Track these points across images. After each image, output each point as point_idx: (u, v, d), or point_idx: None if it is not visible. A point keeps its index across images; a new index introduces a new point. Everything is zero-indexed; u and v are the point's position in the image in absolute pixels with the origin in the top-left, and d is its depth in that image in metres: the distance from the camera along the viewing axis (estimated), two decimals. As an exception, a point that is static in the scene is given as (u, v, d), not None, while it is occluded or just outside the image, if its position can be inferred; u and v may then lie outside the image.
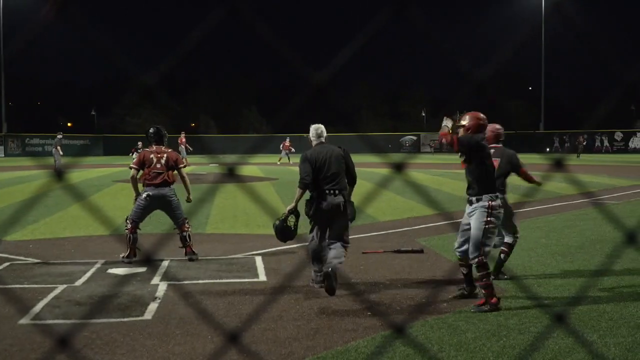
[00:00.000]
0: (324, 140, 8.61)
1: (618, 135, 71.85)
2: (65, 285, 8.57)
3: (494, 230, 7.46)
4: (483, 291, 7.28)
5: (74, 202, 16.87)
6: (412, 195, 18.34)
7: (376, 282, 8.72)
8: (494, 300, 7.17)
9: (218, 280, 8.92)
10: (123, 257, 10.03)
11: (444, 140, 7.39)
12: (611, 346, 5.99)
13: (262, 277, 9.14)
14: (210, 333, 6.55)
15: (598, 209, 16.48)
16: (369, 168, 28.66)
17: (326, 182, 8.21)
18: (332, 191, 8.20)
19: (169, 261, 10.06)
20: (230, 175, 1.85)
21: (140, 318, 7.08)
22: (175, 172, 10.39)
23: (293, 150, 45.70)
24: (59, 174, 1.84)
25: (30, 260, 10.32)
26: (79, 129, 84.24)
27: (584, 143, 57.12)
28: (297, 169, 8.15)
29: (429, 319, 6.92)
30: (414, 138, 78.02)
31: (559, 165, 2.00)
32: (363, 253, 10.11)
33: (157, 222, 13.07)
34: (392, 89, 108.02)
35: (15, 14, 70.32)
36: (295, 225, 8.52)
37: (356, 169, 8.64)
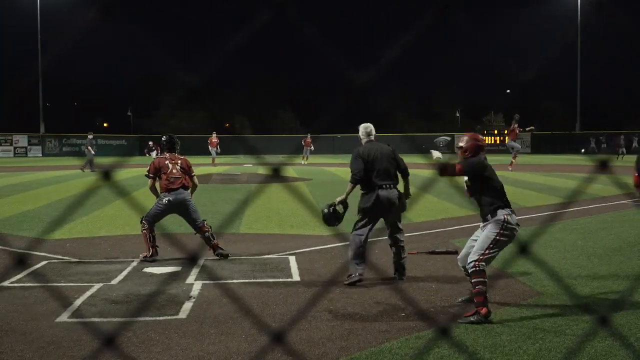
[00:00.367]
0: (373, 138, 9.10)
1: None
2: (101, 284, 8.67)
3: (503, 245, 7.17)
4: (474, 299, 6.97)
5: (110, 202, 17.07)
6: (447, 196, 18.25)
7: (410, 283, 8.69)
8: (484, 310, 6.83)
9: (252, 280, 8.96)
10: (145, 256, 10.18)
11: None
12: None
13: (296, 277, 9.16)
14: (245, 332, 6.58)
15: (637, 210, 16.25)
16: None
17: (380, 178, 8.67)
18: (386, 185, 8.69)
19: (203, 261, 10.14)
20: (275, 175, 1.86)
21: (175, 317, 7.14)
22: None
23: (312, 148, 45.67)
24: (105, 174, 1.86)
25: (67, 259, 10.46)
26: (116, 130, 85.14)
27: (622, 143, 56.20)
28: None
29: (463, 320, 6.88)
30: (448, 139, 77.52)
31: (603, 167, 1.97)
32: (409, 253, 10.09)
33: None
34: (427, 89, 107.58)
35: (52, 16, 71.45)
36: (343, 214, 8.94)
37: None
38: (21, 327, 6.77)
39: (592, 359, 5.67)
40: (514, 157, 31.47)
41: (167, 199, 10.29)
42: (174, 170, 10.38)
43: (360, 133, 9.16)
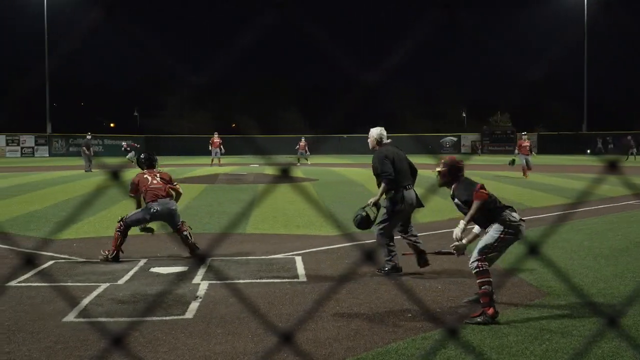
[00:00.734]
0: (387, 141, 9.50)
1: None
2: (108, 284, 8.70)
3: (509, 243, 7.18)
4: (480, 300, 6.98)
5: (118, 202, 17.10)
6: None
7: (416, 284, 8.69)
8: (490, 311, 6.83)
9: (258, 280, 8.97)
10: (107, 255, 10.22)
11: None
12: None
13: (302, 277, 9.16)
14: (251, 332, 6.59)
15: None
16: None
17: (404, 178, 9.14)
18: (408, 185, 9.19)
19: (210, 261, 10.15)
20: (284, 176, 1.86)
21: (181, 317, 7.16)
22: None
23: (308, 152, 45.54)
24: (114, 174, 1.87)
25: (74, 258, 10.49)
26: (122, 130, 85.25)
27: (633, 144, 55.72)
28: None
29: (469, 321, 6.87)
30: (454, 139, 77.44)
31: (613, 167, 1.97)
32: (403, 255, 10.07)
33: (200, 223, 13.16)
34: (431, 89, 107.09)
35: (59, 17, 71.60)
36: (376, 216, 9.21)
37: None
38: (28, 327, 6.79)
39: (599, 360, 5.66)
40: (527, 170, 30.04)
41: (154, 208, 10.32)
42: (154, 182, 10.53)
43: (375, 136, 9.46)
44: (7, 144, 65.67)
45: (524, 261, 9.22)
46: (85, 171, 33.99)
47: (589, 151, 66.70)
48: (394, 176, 9.05)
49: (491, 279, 7.00)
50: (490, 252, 7.10)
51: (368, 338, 6.42)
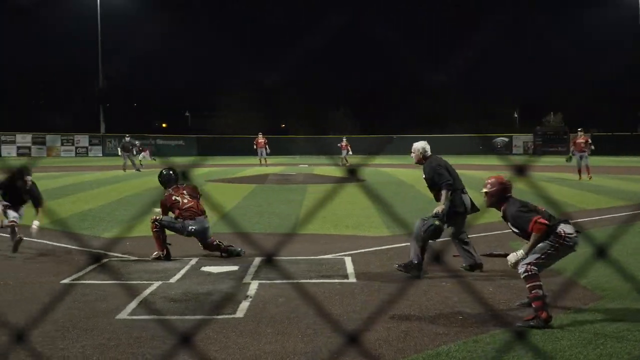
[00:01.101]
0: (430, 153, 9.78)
1: None
2: (160, 282, 8.80)
3: (560, 255, 7.09)
4: (533, 304, 6.88)
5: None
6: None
7: (467, 286, 8.60)
8: (544, 315, 6.70)
9: (308, 281, 8.98)
10: (160, 254, 10.40)
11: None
12: None
13: (352, 278, 9.14)
14: (301, 332, 6.60)
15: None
16: (456, 170, 27.94)
17: (459, 183, 9.48)
18: (464, 190, 9.53)
19: (260, 260, 10.18)
20: (352, 175, 1.86)
21: (232, 316, 7.21)
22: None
23: (350, 152, 45.17)
24: (183, 174, 1.89)
25: (127, 257, 10.65)
26: (174, 130, 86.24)
27: None
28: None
29: (522, 324, 6.77)
30: (506, 140, 76.40)
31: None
32: (454, 256, 10.00)
33: (249, 223, 13.24)
34: (483, 88, 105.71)
35: (114, 19, 72.79)
36: (444, 225, 9.31)
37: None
38: (82, 324, 6.91)
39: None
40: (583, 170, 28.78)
41: (192, 227, 10.58)
42: (185, 201, 10.69)
43: (421, 149, 9.73)
44: (62, 144, 66.93)
45: (578, 264, 9.07)
46: (136, 170, 34.50)
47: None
48: (452, 182, 9.32)
49: (541, 283, 6.90)
50: (540, 259, 7.00)
51: (418, 340, 6.38)
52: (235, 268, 9.74)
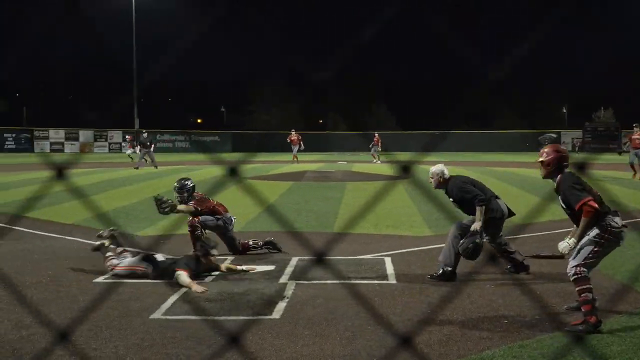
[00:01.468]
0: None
1: None
2: (195, 281, 8.64)
3: (608, 249, 6.78)
4: (582, 308, 6.61)
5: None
6: (553, 195, 17.53)
7: (512, 289, 8.28)
8: (593, 319, 6.44)
9: (346, 281, 8.76)
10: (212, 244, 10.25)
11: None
12: None
13: (392, 279, 8.89)
14: (339, 335, 6.41)
15: None
16: (501, 167, 27.80)
17: (490, 192, 9.26)
18: (497, 196, 9.31)
19: (297, 260, 9.99)
20: (405, 172, 1.66)
21: (268, 317, 7.03)
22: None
23: (380, 148, 44.58)
24: (232, 170, 1.67)
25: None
26: (209, 125, 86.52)
27: None
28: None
29: (570, 329, 6.48)
30: (554, 136, 74.96)
31: None
32: (533, 257, 9.72)
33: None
34: (530, 83, 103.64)
35: (148, 17, 73.32)
36: (483, 241, 8.99)
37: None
38: (116, 323, 6.79)
39: None
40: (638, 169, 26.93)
41: (234, 217, 10.83)
42: (211, 199, 10.86)
43: (438, 173, 9.46)
44: (95, 140, 67.00)
45: (629, 266, 8.74)
46: (156, 167, 34.18)
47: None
48: (484, 194, 9.08)
49: (591, 286, 6.62)
50: (589, 259, 6.68)
51: (461, 344, 6.13)
52: (271, 267, 9.56)
